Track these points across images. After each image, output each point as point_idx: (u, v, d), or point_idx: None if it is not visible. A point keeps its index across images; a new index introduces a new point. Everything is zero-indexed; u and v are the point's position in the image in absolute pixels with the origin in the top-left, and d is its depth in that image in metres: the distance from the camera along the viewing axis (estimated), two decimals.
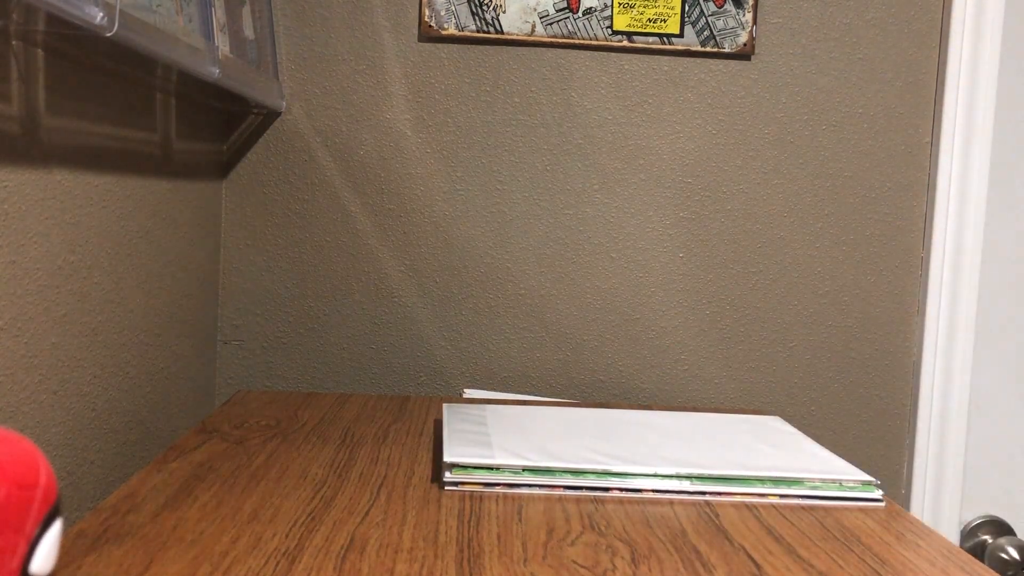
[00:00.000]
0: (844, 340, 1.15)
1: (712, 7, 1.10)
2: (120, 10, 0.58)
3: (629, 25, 1.10)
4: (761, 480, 0.71)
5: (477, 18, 1.08)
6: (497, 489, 0.69)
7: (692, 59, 1.12)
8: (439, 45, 1.10)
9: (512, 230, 1.12)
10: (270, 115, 1.10)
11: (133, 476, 0.68)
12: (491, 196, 1.12)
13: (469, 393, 1.10)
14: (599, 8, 1.10)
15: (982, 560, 0.58)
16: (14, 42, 0.62)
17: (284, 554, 0.55)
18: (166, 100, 0.91)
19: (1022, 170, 1.16)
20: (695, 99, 1.13)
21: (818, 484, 0.71)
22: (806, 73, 1.13)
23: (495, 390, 1.12)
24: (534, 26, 1.09)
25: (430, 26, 1.09)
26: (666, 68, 1.12)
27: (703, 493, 0.69)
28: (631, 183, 1.13)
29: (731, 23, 1.10)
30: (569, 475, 0.69)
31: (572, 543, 0.59)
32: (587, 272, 1.13)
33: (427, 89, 1.11)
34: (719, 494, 0.69)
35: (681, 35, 1.10)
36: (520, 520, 0.62)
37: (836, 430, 1.15)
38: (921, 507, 1.15)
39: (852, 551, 0.60)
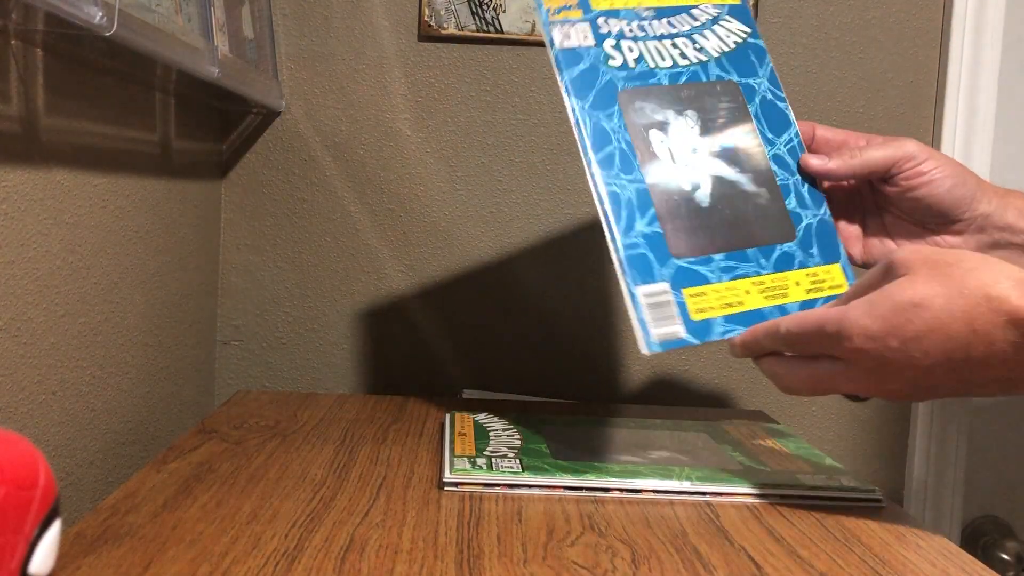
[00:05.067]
0: None
1: None
2: (119, 10, 0.58)
3: None
4: (761, 480, 0.71)
5: (477, 18, 1.08)
6: (497, 490, 0.69)
7: None
8: (439, 45, 1.10)
9: (512, 230, 1.12)
10: (269, 115, 1.10)
11: (132, 476, 0.68)
12: (491, 196, 1.12)
13: (469, 393, 1.10)
14: None
15: (982, 560, 0.58)
16: (13, 42, 0.62)
17: (284, 554, 0.55)
18: (165, 100, 0.91)
19: (1023, 170, 1.16)
20: None
21: (818, 484, 0.71)
22: (806, 73, 1.13)
23: (495, 390, 1.12)
24: (534, 26, 1.09)
25: (430, 26, 1.09)
26: None
27: (703, 493, 0.69)
28: None
29: None
30: (569, 475, 0.69)
31: (572, 544, 0.59)
32: (587, 272, 1.13)
33: (427, 89, 1.11)
34: (719, 494, 0.69)
35: None
36: (520, 521, 0.62)
37: (836, 430, 1.15)
38: (921, 507, 1.15)
39: (852, 551, 0.60)
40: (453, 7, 1.08)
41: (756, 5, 1.10)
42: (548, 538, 0.59)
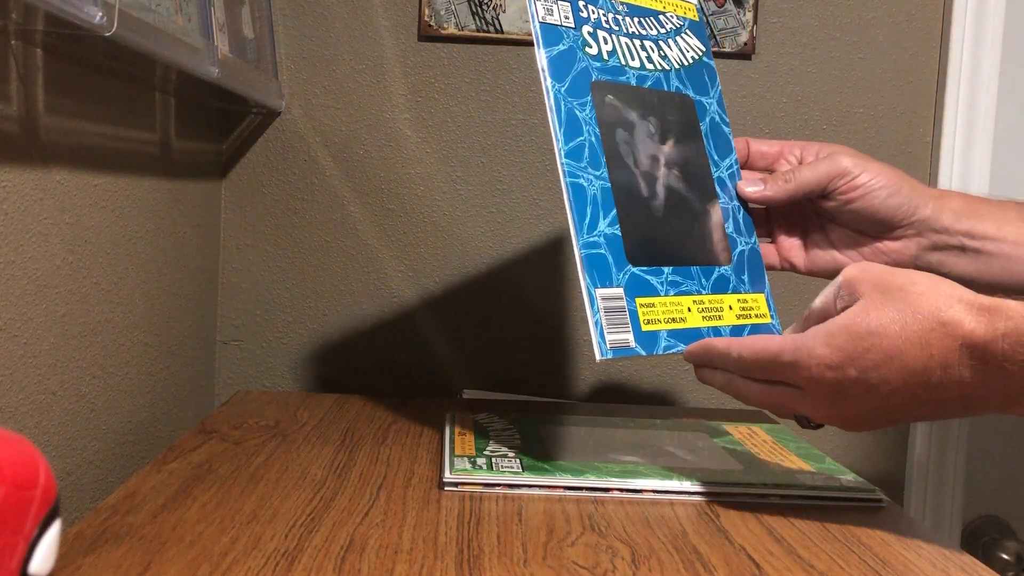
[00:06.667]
0: None
1: (712, 6, 1.10)
2: (119, 10, 0.58)
3: None
4: (761, 480, 0.71)
5: (477, 18, 1.08)
6: (497, 490, 0.68)
7: None
8: (439, 45, 1.10)
9: (512, 230, 1.12)
10: (269, 115, 1.10)
11: (132, 477, 0.68)
12: (491, 196, 1.12)
13: (469, 393, 1.10)
14: None
15: (982, 560, 0.59)
16: (13, 42, 0.62)
17: (284, 555, 0.55)
18: (165, 100, 0.91)
19: (1023, 170, 1.16)
20: None
21: (818, 484, 0.71)
22: (806, 72, 1.13)
23: (495, 390, 1.12)
24: None
25: (430, 25, 1.08)
26: None
27: (703, 493, 0.69)
28: None
29: (731, 22, 1.10)
30: (569, 475, 0.69)
31: (572, 544, 0.59)
32: None
33: (427, 89, 1.11)
34: (719, 494, 0.69)
35: None
36: (520, 521, 0.62)
37: (836, 430, 1.15)
38: (921, 507, 1.15)
39: (853, 551, 0.60)
40: (453, 7, 1.08)
41: (756, 5, 1.10)
42: (548, 538, 0.59)
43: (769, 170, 0.79)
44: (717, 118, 0.79)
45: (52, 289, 0.68)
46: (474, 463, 0.71)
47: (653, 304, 0.68)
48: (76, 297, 0.72)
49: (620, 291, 0.67)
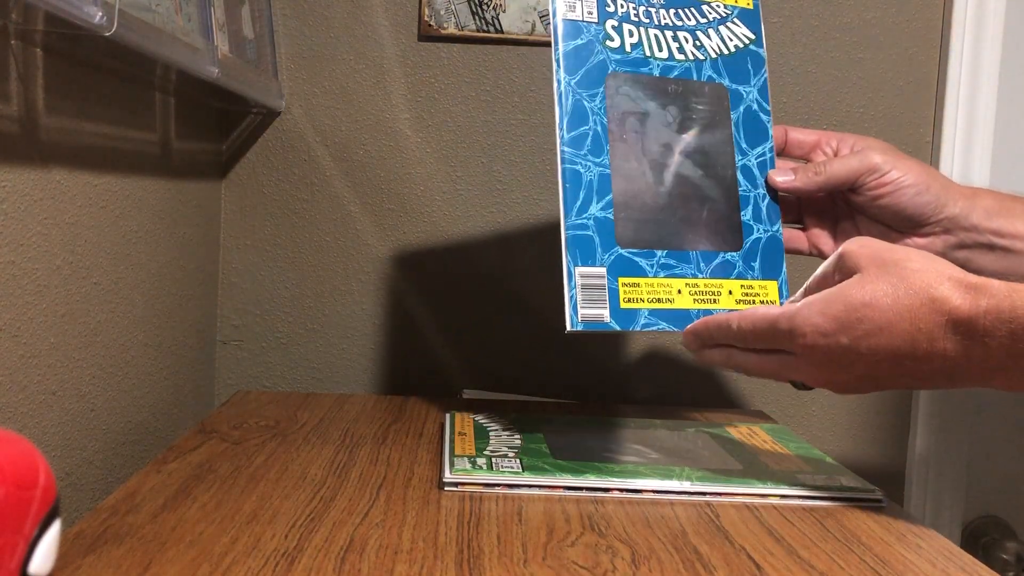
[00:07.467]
0: None
1: None
2: (119, 10, 0.58)
3: None
4: (761, 480, 0.71)
5: (477, 17, 1.08)
6: (497, 490, 0.69)
7: None
8: (439, 45, 1.10)
9: (512, 230, 1.12)
10: (269, 115, 1.10)
11: (132, 477, 0.68)
12: (491, 196, 1.12)
13: (469, 393, 1.10)
14: None
15: (982, 560, 0.59)
16: (13, 42, 0.62)
17: (284, 555, 0.55)
18: (165, 100, 0.91)
19: (1023, 170, 1.16)
20: None
21: (818, 484, 0.71)
22: (807, 72, 1.13)
23: (495, 390, 1.12)
24: (534, 25, 1.09)
25: (430, 25, 1.08)
26: None
27: (703, 493, 0.69)
28: None
29: None
30: (569, 475, 0.69)
31: (572, 544, 0.59)
32: None
33: (427, 89, 1.11)
34: (719, 494, 0.69)
35: None
36: (520, 521, 0.62)
37: (836, 430, 1.15)
38: (921, 507, 1.15)
39: (853, 551, 0.60)
40: (453, 7, 1.08)
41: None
42: (548, 538, 0.59)
43: (805, 159, 0.81)
44: (755, 106, 0.79)
45: (52, 289, 0.68)
46: (474, 463, 0.71)
47: (637, 284, 0.71)
48: (76, 297, 0.72)
49: (602, 270, 0.70)
